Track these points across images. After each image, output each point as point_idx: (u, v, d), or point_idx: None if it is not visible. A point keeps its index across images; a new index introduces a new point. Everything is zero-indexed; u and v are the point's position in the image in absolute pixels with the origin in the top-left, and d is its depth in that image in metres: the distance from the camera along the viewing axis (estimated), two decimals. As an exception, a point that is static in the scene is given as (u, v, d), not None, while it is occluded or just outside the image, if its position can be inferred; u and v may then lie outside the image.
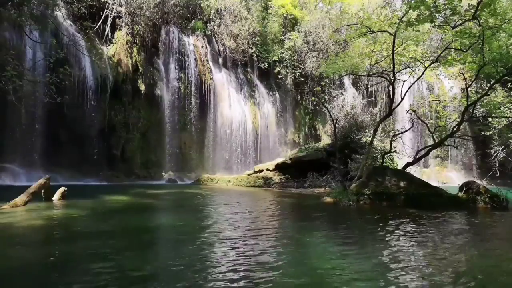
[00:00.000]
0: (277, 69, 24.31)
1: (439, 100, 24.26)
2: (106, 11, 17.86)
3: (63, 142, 15.80)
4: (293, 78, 24.49)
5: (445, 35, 12.30)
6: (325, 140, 22.58)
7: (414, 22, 10.20)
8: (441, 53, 11.61)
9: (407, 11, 10.36)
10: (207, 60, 21.61)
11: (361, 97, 25.00)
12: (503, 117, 16.65)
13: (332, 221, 7.37)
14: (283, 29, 25.27)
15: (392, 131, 19.83)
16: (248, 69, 24.39)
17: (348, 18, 14.72)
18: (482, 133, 19.12)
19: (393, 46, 10.93)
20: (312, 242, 5.17)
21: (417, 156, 12.03)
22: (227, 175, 18.18)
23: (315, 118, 25.93)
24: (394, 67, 11.46)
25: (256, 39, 23.36)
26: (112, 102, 17.50)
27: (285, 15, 25.16)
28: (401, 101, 12.89)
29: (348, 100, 21.65)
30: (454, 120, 15.67)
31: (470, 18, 9.82)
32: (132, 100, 18.51)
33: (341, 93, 22.67)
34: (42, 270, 3.64)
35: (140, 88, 18.76)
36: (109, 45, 18.21)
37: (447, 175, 23.82)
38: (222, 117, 21.46)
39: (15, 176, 14.03)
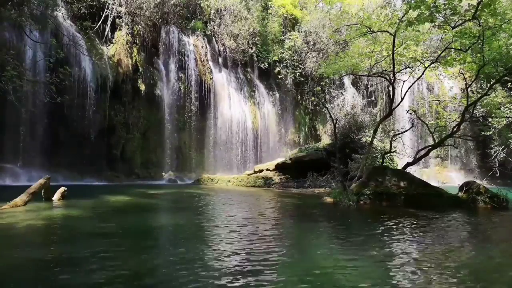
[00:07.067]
0: (277, 69, 24.32)
1: (439, 100, 24.25)
2: (106, 11, 17.86)
3: (63, 142, 15.80)
4: (293, 78, 24.49)
5: (445, 35, 12.29)
6: (325, 140, 22.58)
7: (414, 22, 10.19)
8: (441, 53, 11.59)
9: (407, 11, 10.35)
10: (207, 60, 21.61)
11: (361, 97, 25.04)
12: (503, 117, 16.65)
13: (333, 221, 7.36)
14: (283, 29, 25.28)
15: (392, 131, 19.79)
16: (248, 69, 24.40)
17: (348, 18, 14.70)
18: (482, 133, 19.12)
19: (393, 46, 10.92)
20: (313, 242, 5.17)
21: (417, 156, 12.03)
22: (227, 175, 18.18)
23: (315, 118, 25.94)
24: (394, 67, 11.45)
25: (256, 39, 23.36)
26: (112, 102, 17.50)
27: (285, 15, 25.17)
28: (401, 101, 12.88)
29: (348, 100, 21.68)
30: (454, 120, 15.66)
31: (470, 18, 9.82)
32: (132, 100, 18.51)
33: (341, 93, 22.70)
34: (42, 270, 3.64)
35: (140, 88, 18.76)
36: (109, 45, 18.21)
37: (447, 175, 23.82)
38: (222, 117, 21.46)
39: (15, 176, 14.03)
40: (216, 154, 21.14)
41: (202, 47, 21.60)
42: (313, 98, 24.51)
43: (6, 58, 11.25)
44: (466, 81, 13.61)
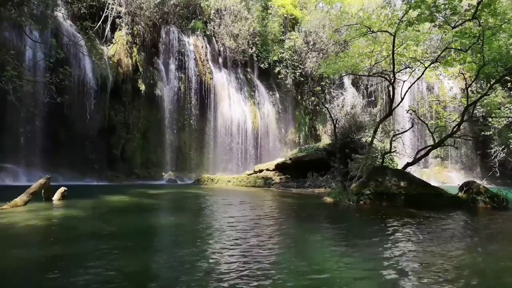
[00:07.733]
0: (277, 69, 24.32)
1: (439, 100, 24.25)
2: (106, 11, 17.86)
3: (63, 142, 15.80)
4: (293, 78, 24.49)
5: (445, 35, 12.29)
6: (325, 140, 22.58)
7: (414, 22, 10.19)
8: (441, 53, 11.59)
9: (407, 11, 10.36)
10: (207, 60, 21.61)
11: (361, 97, 25.05)
12: (503, 117, 16.66)
13: (333, 221, 7.36)
14: (283, 29, 25.28)
15: (392, 131, 19.81)
16: (248, 69, 24.40)
17: (348, 18, 14.69)
18: (482, 133, 19.12)
19: (393, 46, 10.92)
20: (313, 242, 5.17)
21: (417, 156, 12.03)
22: (227, 175, 18.18)
23: (315, 118, 25.94)
24: (394, 67, 11.45)
25: (256, 39, 23.36)
26: (112, 102, 17.51)
27: (285, 15, 25.16)
28: (401, 101, 12.88)
29: (348, 100, 21.69)
30: (454, 120, 15.66)
31: (470, 18, 9.82)
32: (132, 100, 18.51)
33: (341, 93, 22.70)
34: (42, 270, 3.64)
35: (140, 88, 18.76)
36: (109, 45, 18.21)
37: (447, 175, 23.82)
38: (222, 117, 21.46)
39: (15, 176, 14.03)
40: (216, 154, 21.14)
41: (202, 47, 21.60)
42: (313, 98, 24.51)
43: (6, 58, 11.25)
44: (466, 81, 13.62)
